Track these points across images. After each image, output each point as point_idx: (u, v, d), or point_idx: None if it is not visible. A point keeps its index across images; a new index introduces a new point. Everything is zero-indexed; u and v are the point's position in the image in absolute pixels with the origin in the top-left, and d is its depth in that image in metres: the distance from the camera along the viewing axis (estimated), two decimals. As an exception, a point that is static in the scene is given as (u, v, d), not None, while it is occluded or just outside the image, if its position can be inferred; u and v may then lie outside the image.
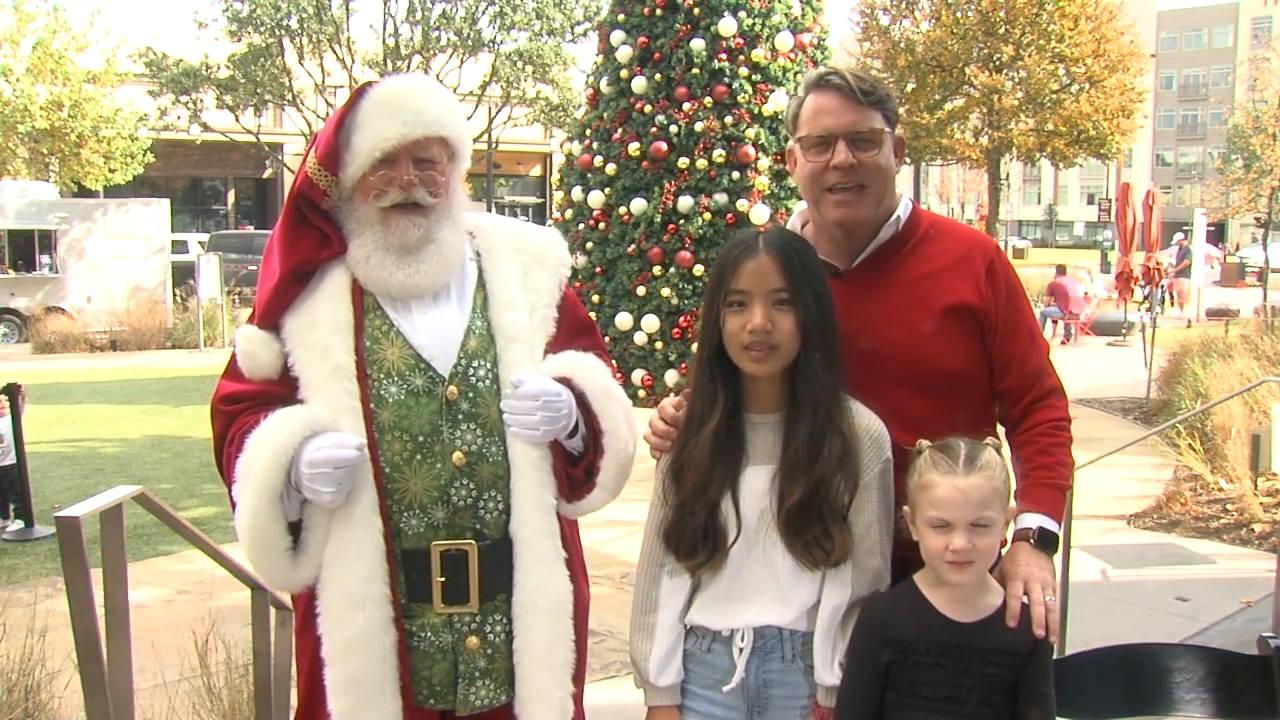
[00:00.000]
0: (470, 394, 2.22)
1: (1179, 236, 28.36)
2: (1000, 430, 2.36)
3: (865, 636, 2.08)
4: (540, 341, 2.33)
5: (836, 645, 2.12)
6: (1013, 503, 2.13)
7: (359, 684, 2.13)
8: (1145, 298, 14.80)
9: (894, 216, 2.31)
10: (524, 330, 2.30)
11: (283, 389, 2.22)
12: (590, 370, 2.32)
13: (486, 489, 2.22)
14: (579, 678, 2.30)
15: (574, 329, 2.42)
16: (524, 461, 2.23)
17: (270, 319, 2.23)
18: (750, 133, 11.22)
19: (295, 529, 2.17)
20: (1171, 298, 23.01)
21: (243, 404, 2.23)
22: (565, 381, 2.28)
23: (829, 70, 2.30)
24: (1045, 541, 2.15)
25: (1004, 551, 2.20)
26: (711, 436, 2.12)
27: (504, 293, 2.31)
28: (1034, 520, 2.18)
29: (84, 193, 25.05)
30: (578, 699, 2.29)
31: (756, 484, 2.12)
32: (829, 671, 2.11)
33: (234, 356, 2.29)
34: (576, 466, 2.32)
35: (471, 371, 2.23)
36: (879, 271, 2.31)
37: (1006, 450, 2.19)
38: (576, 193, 11.85)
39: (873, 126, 2.25)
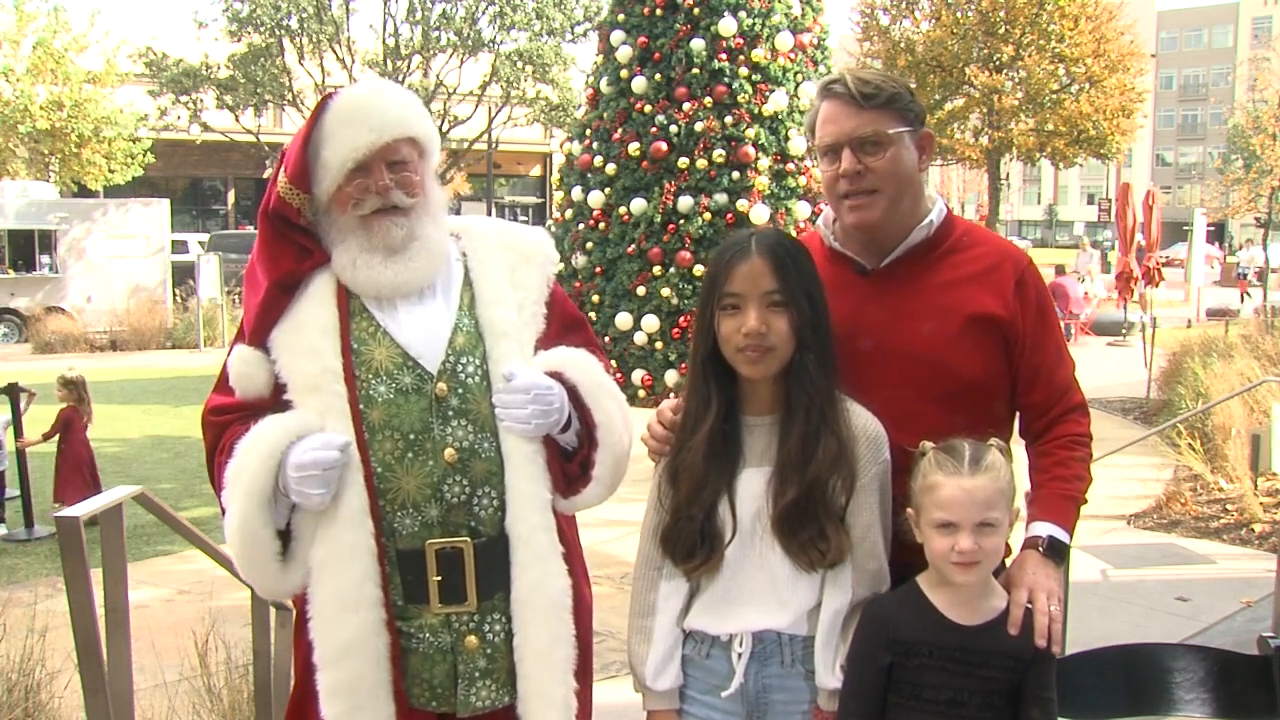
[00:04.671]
0: (460, 390, 2.21)
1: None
2: (1001, 435, 2.35)
3: (867, 638, 2.08)
4: (530, 338, 2.32)
5: (837, 649, 2.11)
6: (1019, 504, 2.12)
7: (352, 689, 2.13)
8: (1138, 296, 14.81)
9: (926, 220, 2.28)
10: (513, 326, 2.29)
11: (272, 400, 2.22)
12: (582, 364, 2.31)
13: (480, 485, 2.21)
14: (583, 675, 2.29)
15: (565, 325, 2.41)
16: (518, 456, 2.22)
17: (261, 336, 2.23)
18: (750, 133, 11.22)
19: (283, 538, 2.16)
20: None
21: (232, 415, 2.23)
22: (557, 376, 2.27)
23: (834, 77, 2.28)
24: (1054, 551, 2.15)
25: (1009, 560, 2.20)
26: (706, 440, 2.11)
27: (491, 290, 2.30)
28: (1044, 529, 2.17)
29: (84, 193, 25.06)
30: (583, 697, 2.27)
31: (753, 486, 2.12)
32: (830, 675, 2.10)
33: (224, 371, 2.28)
34: (571, 461, 2.31)
35: (460, 368, 2.23)
36: (906, 274, 2.28)
37: (1018, 453, 2.18)
38: (576, 193, 11.85)
39: (877, 129, 2.21)
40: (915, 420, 2.17)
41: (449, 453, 2.19)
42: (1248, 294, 26.06)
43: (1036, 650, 2.02)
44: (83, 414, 7.61)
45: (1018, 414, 2.37)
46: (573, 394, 2.28)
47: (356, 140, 2.17)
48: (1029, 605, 2.05)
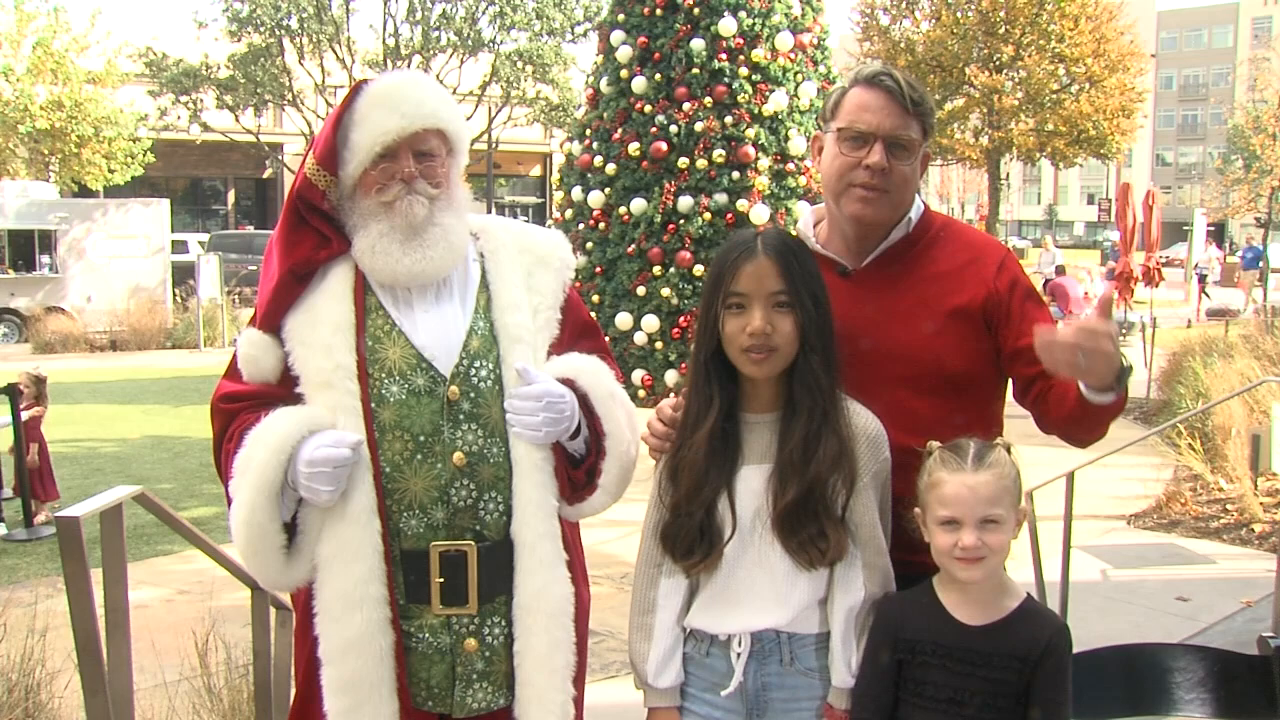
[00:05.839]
0: (472, 394, 2.22)
1: (1115, 236, 27.66)
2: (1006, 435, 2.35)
3: (877, 635, 2.10)
4: (544, 343, 2.32)
5: (854, 648, 2.11)
6: (1024, 504, 2.12)
7: (355, 685, 2.13)
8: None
9: (905, 218, 2.31)
10: (527, 331, 2.29)
11: (283, 390, 2.22)
12: (594, 372, 2.31)
13: (487, 490, 2.21)
14: (579, 681, 2.29)
15: (578, 331, 2.41)
16: (526, 463, 2.22)
17: (272, 321, 2.23)
18: (750, 133, 11.21)
19: (289, 530, 2.17)
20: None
21: (243, 403, 2.23)
22: (569, 383, 2.27)
23: (884, 69, 2.29)
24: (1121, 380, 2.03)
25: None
26: (707, 438, 2.11)
27: (507, 294, 2.30)
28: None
29: (84, 193, 25.06)
30: (578, 702, 2.28)
31: (752, 484, 2.12)
32: (848, 674, 2.11)
33: (235, 357, 2.29)
34: (578, 469, 2.32)
35: (473, 372, 2.23)
36: (887, 272, 2.30)
37: (1024, 453, 2.17)
38: (576, 193, 11.85)
39: (911, 135, 2.25)
40: (910, 418, 2.19)
41: (458, 456, 2.19)
42: (1206, 294, 25.88)
43: (1046, 647, 2.01)
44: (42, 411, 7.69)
45: (1025, 389, 2.29)
46: (583, 402, 2.28)
47: (386, 125, 2.18)
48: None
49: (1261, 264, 27.32)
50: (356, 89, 2.25)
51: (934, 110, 2.31)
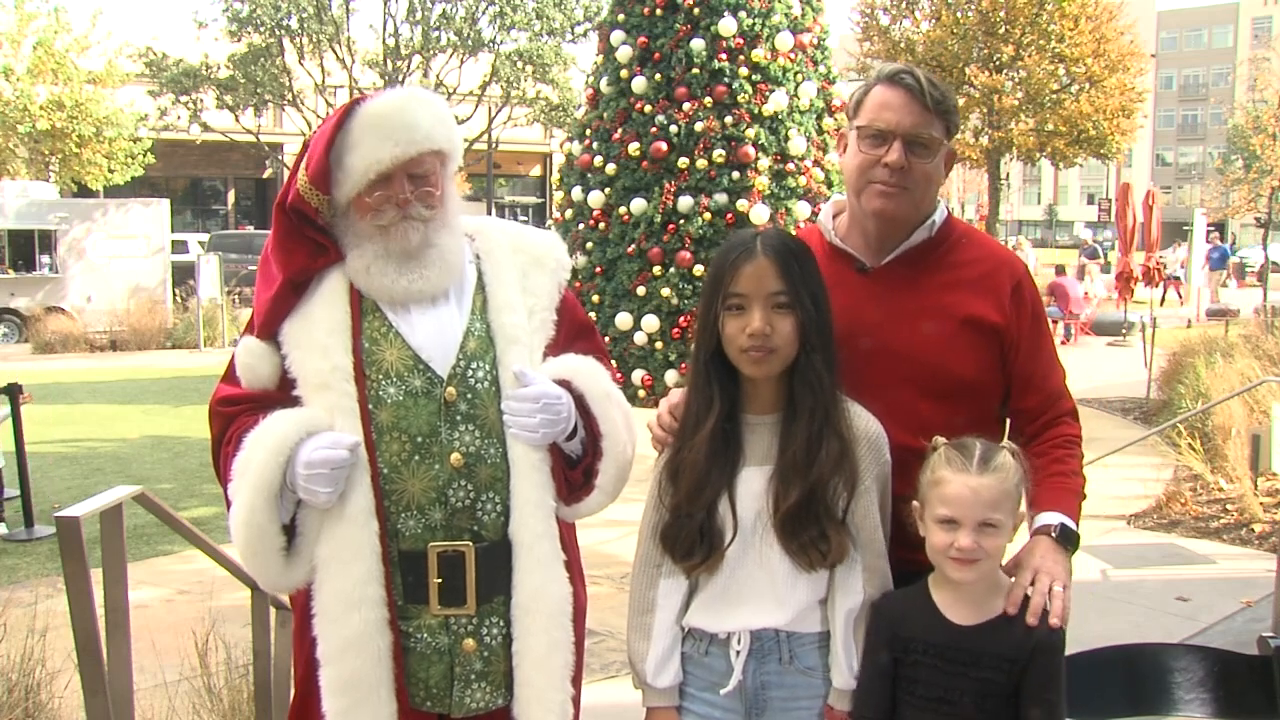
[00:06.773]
0: (469, 395, 2.22)
1: (1086, 235, 27.37)
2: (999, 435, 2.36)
3: (875, 634, 2.11)
4: (539, 344, 2.33)
5: (854, 650, 2.12)
6: (1023, 508, 2.12)
7: (354, 685, 2.14)
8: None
9: (929, 221, 2.31)
10: (523, 332, 2.30)
11: (280, 394, 2.23)
12: (590, 373, 2.32)
13: (485, 490, 2.22)
14: (577, 681, 2.30)
15: (573, 332, 2.42)
16: (524, 463, 2.22)
17: (269, 328, 2.24)
18: (750, 133, 11.21)
19: (288, 532, 2.18)
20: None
21: (241, 406, 2.24)
22: (565, 384, 2.28)
23: (906, 68, 2.29)
24: (1065, 538, 2.14)
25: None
26: (708, 439, 2.11)
27: (503, 295, 2.31)
28: (1054, 518, 2.17)
29: (84, 193, 25.05)
30: (576, 702, 2.29)
31: (753, 485, 2.12)
32: (850, 676, 2.11)
33: (233, 362, 2.30)
34: (575, 469, 2.32)
35: (470, 373, 2.24)
36: (905, 273, 2.31)
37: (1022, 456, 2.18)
38: (576, 193, 11.85)
39: (932, 134, 2.25)
40: (913, 418, 2.20)
41: (455, 457, 2.20)
42: (1179, 295, 25.75)
43: (1036, 646, 2.01)
44: None
45: (1009, 418, 2.39)
46: (579, 402, 2.29)
47: (380, 153, 2.17)
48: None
49: (1230, 263, 27.14)
50: (349, 110, 2.22)
51: (957, 109, 2.30)
